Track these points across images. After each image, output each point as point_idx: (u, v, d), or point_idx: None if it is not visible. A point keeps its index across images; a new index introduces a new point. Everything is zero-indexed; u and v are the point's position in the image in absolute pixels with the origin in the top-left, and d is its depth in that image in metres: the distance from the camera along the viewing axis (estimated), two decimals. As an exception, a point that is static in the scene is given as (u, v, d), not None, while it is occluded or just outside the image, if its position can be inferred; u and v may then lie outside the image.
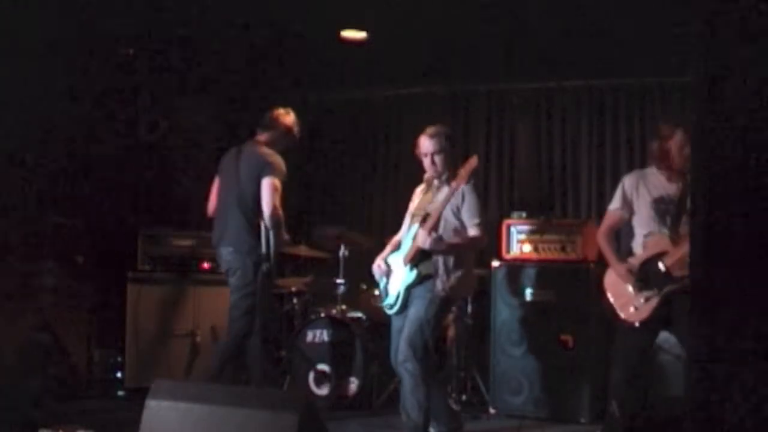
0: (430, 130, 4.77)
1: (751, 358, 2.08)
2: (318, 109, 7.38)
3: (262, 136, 5.23)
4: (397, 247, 4.89)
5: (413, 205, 4.93)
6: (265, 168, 4.99)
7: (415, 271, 4.62)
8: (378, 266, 4.87)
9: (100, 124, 6.32)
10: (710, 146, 2.16)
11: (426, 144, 4.73)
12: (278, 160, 5.07)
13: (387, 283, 4.84)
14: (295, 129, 5.29)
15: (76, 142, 6.17)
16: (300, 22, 5.64)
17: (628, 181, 4.69)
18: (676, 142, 4.51)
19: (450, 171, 4.69)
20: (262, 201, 4.94)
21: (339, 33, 5.94)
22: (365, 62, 6.47)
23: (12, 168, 5.69)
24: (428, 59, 6.33)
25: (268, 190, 4.94)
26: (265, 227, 4.87)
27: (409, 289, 4.66)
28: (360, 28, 5.89)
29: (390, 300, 4.77)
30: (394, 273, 4.79)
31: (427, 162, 4.75)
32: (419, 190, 4.97)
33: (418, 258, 4.62)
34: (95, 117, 6.28)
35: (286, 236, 5.14)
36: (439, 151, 4.69)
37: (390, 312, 4.80)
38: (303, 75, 6.81)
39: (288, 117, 5.26)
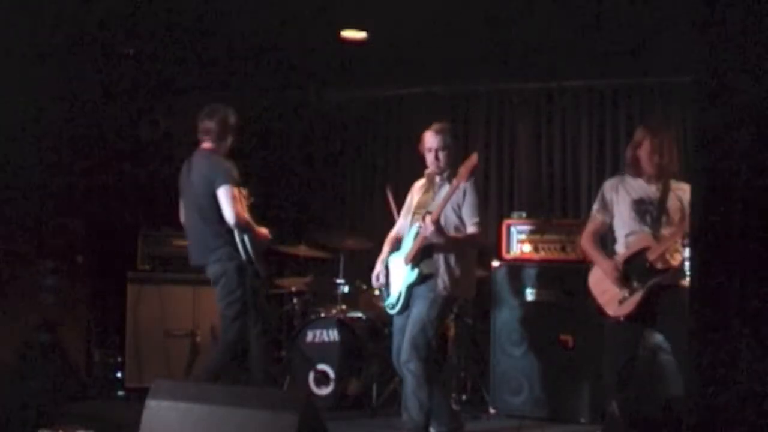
0: (436, 126, 4.80)
1: (749, 358, 2.08)
2: (318, 109, 7.38)
3: (207, 144, 5.03)
4: (396, 245, 4.90)
5: (412, 200, 4.93)
6: (216, 178, 4.83)
7: (416, 271, 4.62)
8: (377, 277, 4.90)
9: (100, 124, 6.33)
10: (710, 146, 2.16)
11: (431, 140, 4.75)
12: (227, 166, 4.90)
13: (388, 284, 4.84)
14: (236, 126, 5.07)
15: (76, 142, 6.18)
16: (300, 22, 5.64)
17: (607, 185, 4.73)
18: (645, 150, 4.54)
19: (452, 168, 4.70)
20: (223, 212, 4.80)
21: (339, 33, 5.94)
22: (365, 62, 6.47)
23: (12, 168, 5.69)
24: (428, 59, 6.33)
25: (225, 199, 4.78)
26: (238, 233, 4.84)
27: (410, 288, 4.66)
28: (360, 28, 5.89)
29: (391, 300, 4.78)
30: (395, 273, 4.79)
31: (430, 157, 4.76)
32: (419, 185, 4.97)
33: (419, 257, 4.63)
34: (95, 117, 6.28)
35: (264, 231, 4.99)
36: (444, 147, 4.72)
37: (391, 312, 4.80)
38: (303, 75, 6.81)
39: (228, 118, 5.04)
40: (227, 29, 5.80)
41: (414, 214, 4.82)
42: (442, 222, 4.59)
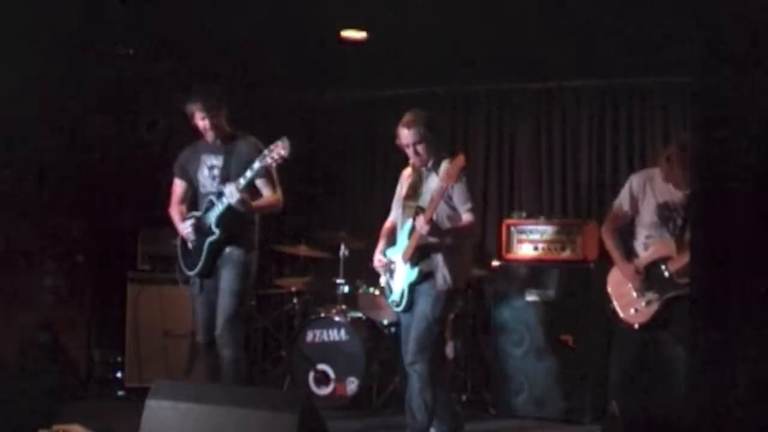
0: (407, 119, 4.56)
1: (750, 361, 2.08)
2: (318, 109, 7.38)
3: None
4: (392, 238, 4.80)
5: (401, 190, 4.80)
6: None
7: (416, 269, 4.54)
8: (378, 260, 4.77)
9: (100, 124, 6.32)
10: (710, 149, 2.16)
11: (405, 134, 4.55)
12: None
13: (390, 279, 4.74)
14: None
15: (76, 142, 6.17)
16: (300, 22, 5.64)
17: (636, 181, 4.69)
18: (676, 163, 4.48)
19: (437, 157, 4.56)
20: None
21: (339, 33, 5.94)
22: (365, 62, 6.47)
23: (12, 168, 5.70)
24: (428, 59, 6.33)
25: None
26: None
27: (412, 286, 4.58)
28: (360, 28, 5.89)
29: (395, 297, 4.69)
30: (397, 269, 4.71)
31: (410, 152, 4.59)
32: (406, 173, 4.82)
33: (418, 256, 4.54)
34: (95, 117, 6.28)
35: (179, 227, 4.98)
36: (420, 140, 4.52)
37: (396, 309, 4.73)
38: (303, 75, 6.80)
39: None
40: (227, 29, 5.80)
41: (405, 207, 4.70)
42: (434, 216, 4.48)
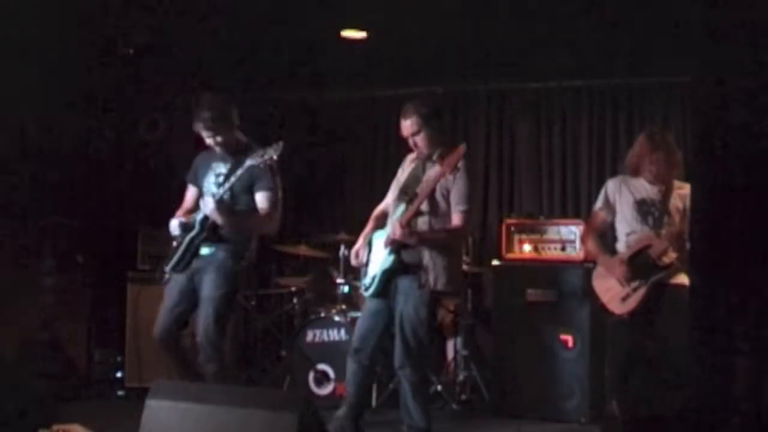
0: (404, 109, 4.52)
1: (750, 359, 2.08)
2: (318, 109, 7.38)
3: None
4: (381, 222, 4.72)
5: (402, 174, 4.72)
6: None
7: (393, 257, 4.40)
8: (356, 253, 4.68)
9: (100, 123, 6.33)
10: (710, 148, 2.16)
11: (402, 125, 4.50)
12: None
13: (368, 263, 4.62)
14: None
15: (76, 141, 6.17)
16: (300, 22, 5.64)
17: (611, 184, 4.83)
18: (645, 163, 4.62)
19: (439, 147, 4.47)
20: None
21: (339, 33, 5.94)
22: (365, 62, 6.47)
23: (12, 168, 5.69)
24: (428, 59, 6.33)
25: None
26: None
27: (386, 273, 4.43)
28: (360, 28, 5.89)
29: (366, 281, 4.58)
30: (376, 253, 4.57)
31: (411, 143, 4.54)
32: (411, 158, 4.73)
33: (398, 244, 4.41)
34: (95, 116, 6.28)
35: None
36: (418, 131, 4.44)
37: (365, 293, 4.62)
38: (303, 75, 6.81)
39: None
40: (227, 29, 5.81)
41: (402, 192, 4.59)
42: (428, 209, 4.41)
